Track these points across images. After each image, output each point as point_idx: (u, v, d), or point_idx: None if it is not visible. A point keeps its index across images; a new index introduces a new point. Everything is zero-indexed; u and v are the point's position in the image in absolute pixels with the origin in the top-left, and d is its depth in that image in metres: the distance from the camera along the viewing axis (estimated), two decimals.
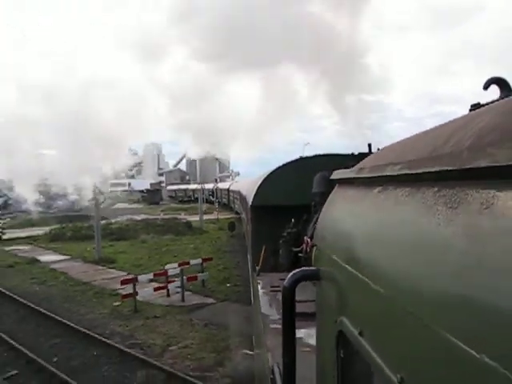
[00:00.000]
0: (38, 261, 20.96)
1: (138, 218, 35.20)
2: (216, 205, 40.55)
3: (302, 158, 8.83)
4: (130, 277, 13.63)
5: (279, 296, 4.91)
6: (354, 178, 1.58)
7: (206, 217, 34.88)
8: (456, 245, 0.74)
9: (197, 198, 59.40)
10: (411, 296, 0.85)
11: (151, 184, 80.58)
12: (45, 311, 12.64)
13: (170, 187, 79.35)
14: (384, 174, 1.21)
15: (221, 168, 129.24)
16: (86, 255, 21.87)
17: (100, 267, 19.33)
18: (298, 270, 1.78)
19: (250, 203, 9.79)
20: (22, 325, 11.77)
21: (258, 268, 7.40)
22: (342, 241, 1.48)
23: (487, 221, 0.68)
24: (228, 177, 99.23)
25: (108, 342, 10.20)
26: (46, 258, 21.76)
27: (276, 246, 7.54)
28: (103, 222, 29.69)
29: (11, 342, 10.35)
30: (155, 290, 13.59)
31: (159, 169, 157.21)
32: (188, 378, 8.28)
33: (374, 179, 1.32)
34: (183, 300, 13.57)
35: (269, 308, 5.30)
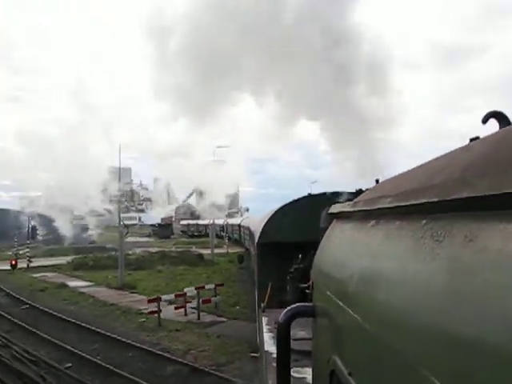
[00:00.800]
0: (66, 286, 23.59)
1: (153, 250, 37.79)
2: (226, 240, 43.17)
3: (308, 196, 9.30)
4: (155, 297, 16.16)
5: None
6: (349, 211, 1.57)
7: (216, 250, 37.46)
8: (440, 280, 0.72)
9: (207, 233, 62.25)
10: (397, 334, 0.84)
11: (162, 219, 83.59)
12: (83, 324, 15.17)
13: (183, 222, 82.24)
14: (376, 207, 1.20)
15: (230, 203, 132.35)
16: (109, 282, 24.44)
17: (123, 292, 21.86)
18: (294, 305, 1.77)
19: (256, 240, 10.10)
20: (65, 334, 14.26)
21: (263, 305, 7.52)
22: (336, 276, 1.45)
23: (470, 254, 0.66)
24: (237, 212, 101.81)
25: (140, 346, 12.68)
26: (73, 283, 24.39)
27: (283, 283, 7.75)
28: (131, 251, 32.54)
29: (61, 344, 12.88)
30: (176, 308, 16.12)
31: (169, 203, 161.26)
32: (206, 370, 10.71)
33: (368, 212, 1.31)
34: (199, 318, 16.00)
35: (272, 345, 5.26)
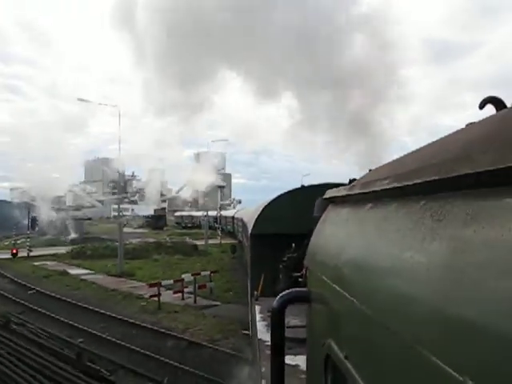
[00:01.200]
0: (68, 273, 24.98)
1: (148, 240, 39.16)
2: (219, 231, 44.66)
3: (302, 187, 9.44)
4: (155, 282, 17.62)
5: None
6: (345, 195, 1.55)
7: (209, 241, 38.93)
8: (441, 259, 0.72)
9: (199, 224, 63.66)
10: (395, 315, 0.83)
11: (155, 210, 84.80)
12: (89, 307, 16.62)
13: (177, 213, 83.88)
14: (373, 189, 1.19)
15: (222, 196, 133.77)
16: (108, 270, 25.85)
17: (122, 279, 23.31)
18: (288, 290, 1.79)
19: (249, 231, 10.37)
20: (73, 315, 15.67)
21: (256, 294, 7.74)
22: (332, 261, 1.44)
23: (472, 232, 0.65)
24: (229, 205, 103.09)
25: (143, 324, 14.16)
26: (74, 271, 25.77)
27: (276, 273, 7.88)
28: (138, 240, 33.94)
29: (71, 323, 14.32)
30: (174, 293, 17.62)
31: (162, 195, 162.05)
32: (203, 344, 12.22)
33: (364, 195, 1.30)
34: (195, 302, 17.49)
35: (265, 333, 5.31)
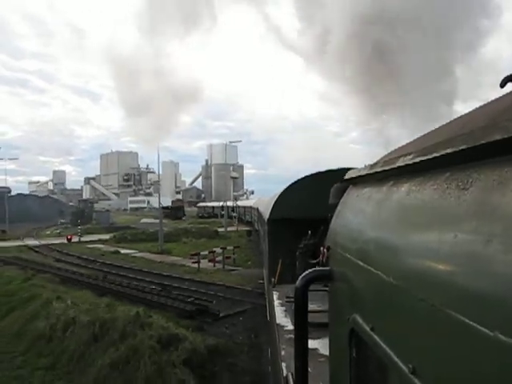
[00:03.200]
0: (119, 252, 32.42)
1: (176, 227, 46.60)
2: (236, 219, 51.95)
3: (318, 173, 9.42)
4: (195, 252, 24.85)
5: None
6: (366, 175, 1.60)
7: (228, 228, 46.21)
8: (467, 224, 0.74)
9: (216, 214, 71.08)
10: (423, 283, 0.87)
11: (173, 201, 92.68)
12: (146, 270, 23.92)
13: (200, 204, 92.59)
14: (396, 165, 1.22)
15: (235, 186, 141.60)
16: (150, 249, 33.26)
17: (164, 255, 30.65)
18: (310, 270, 1.87)
19: (267, 217, 10.52)
20: (138, 275, 22.93)
21: (273, 280, 7.87)
22: (355, 238, 1.51)
23: (499, 196, 0.67)
24: (242, 195, 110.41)
25: (190, 278, 21.37)
26: (123, 251, 33.22)
27: (293, 259, 8.05)
28: (151, 230, 41.41)
29: (142, 278, 21.59)
30: (209, 261, 24.87)
31: (176, 187, 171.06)
32: (235, 286, 19.38)
33: (385, 173, 1.34)
34: (223, 267, 24.66)
35: (284, 318, 5.57)
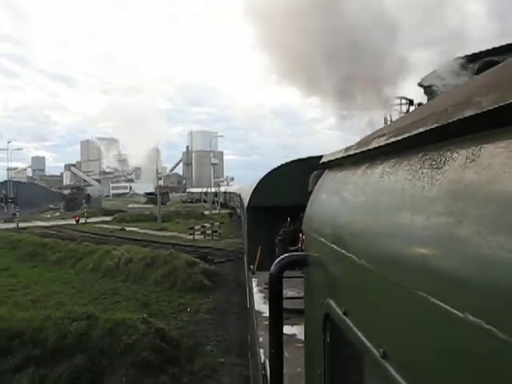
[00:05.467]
0: (124, 229, 41.06)
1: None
2: (217, 204, 60.87)
3: (297, 160, 9.83)
4: (191, 226, 33.81)
5: None
6: (341, 158, 1.63)
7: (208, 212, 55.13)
8: (438, 205, 0.76)
9: (198, 200, 79.95)
10: (395, 265, 0.88)
11: (160, 187, 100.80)
12: (155, 240, 32.75)
13: (189, 189, 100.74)
14: (371, 147, 1.24)
15: (215, 173, 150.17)
16: (150, 227, 42.02)
17: (163, 231, 39.50)
18: (285, 255, 1.90)
19: (246, 204, 11.03)
20: (149, 244, 31.71)
21: (253, 267, 8.16)
22: (329, 222, 1.55)
23: (472, 174, 0.68)
24: (223, 181, 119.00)
25: (188, 244, 30.33)
26: (128, 228, 41.87)
27: (272, 246, 8.48)
28: (147, 212, 50.08)
29: (150, 245, 30.43)
30: (201, 233, 33.89)
31: (158, 173, 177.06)
32: (224, 249, 28.40)
33: (361, 156, 1.37)
34: (212, 238, 33.70)
35: (262, 305, 5.71)
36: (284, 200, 8.54)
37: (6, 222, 51.51)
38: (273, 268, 1.82)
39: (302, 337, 2.61)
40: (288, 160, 10.23)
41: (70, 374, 9.11)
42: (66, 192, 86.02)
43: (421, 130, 0.89)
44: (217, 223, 36.44)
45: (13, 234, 35.92)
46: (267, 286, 4.79)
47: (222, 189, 66.56)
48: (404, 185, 0.94)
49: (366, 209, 1.19)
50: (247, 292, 9.75)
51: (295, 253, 2.13)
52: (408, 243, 0.85)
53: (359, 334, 1.09)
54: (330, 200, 1.75)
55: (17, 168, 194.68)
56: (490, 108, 0.65)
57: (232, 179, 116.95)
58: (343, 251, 1.25)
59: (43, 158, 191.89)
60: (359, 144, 1.44)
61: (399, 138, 1.01)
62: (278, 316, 1.83)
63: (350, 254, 1.18)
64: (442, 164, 0.80)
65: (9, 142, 68.00)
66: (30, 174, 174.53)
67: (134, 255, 20.96)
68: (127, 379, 9.12)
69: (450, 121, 0.77)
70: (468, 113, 0.71)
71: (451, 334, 0.67)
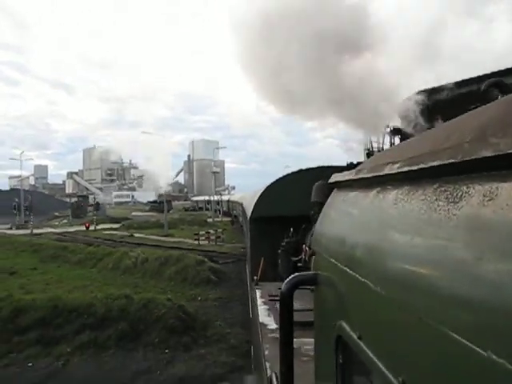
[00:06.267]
0: (133, 235, 44.46)
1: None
2: (219, 212, 64.31)
3: (299, 171, 10.17)
4: (197, 232, 37.22)
5: (278, 305, 6.32)
6: (352, 180, 1.67)
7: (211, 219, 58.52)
8: (457, 239, 0.77)
9: (200, 208, 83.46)
10: (412, 295, 0.90)
11: (160, 195, 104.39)
12: (160, 244, 36.13)
13: (193, 198, 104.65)
14: (382, 173, 1.27)
15: (216, 181, 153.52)
16: (157, 233, 45.41)
17: (169, 237, 42.89)
18: (295, 274, 1.94)
19: (248, 215, 11.30)
20: (158, 249, 35.07)
21: (256, 278, 8.21)
22: (341, 244, 1.56)
23: (490, 212, 0.69)
24: (224, 190, 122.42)
25: (194, 248, 33.72)
26: (136, 235, 45.28)
27: (275, 257, 8.52)
28: (153, 219, 53.50)
29: (160, 249, 33.84)
30: (205, 239, 37.29)
31: (166, 183, 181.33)
32: (224, 252, 31.79)
33: (372, 180, 1.40)
34: (216, 243, 37.08)
35: (267, 317, 5.74)
36: (287, 210, 8.78)
37: (18, 228, 54.95)
38: (283, 287, 1.85)
39: (306, 350, 2.67)
40: (288, 169, 10.79)
41: (117, 335, 12.63)
42: (71, 200, 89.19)
43: (436, 163, 0.91)
44: (220, 230, 39.81)
45: (32, 238, 39.34)
46: (272, 298, 6.07)
47: (225, 197, 70.04)
48: (420, 215, 0.96)
49: (381, 235, 1.19)
50: (250, 302, 10.08)
51: (304, 272, 2.18)
52: (426, 275, 0.86)
53: (376, 360, 1.09)
54: (341, 221, 1.76)
55: (20, 176, 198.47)
56: (510, 152, 0.67)
57: (233, 188, 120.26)
58: (357, 275, 1.26)
59: (46, 167, 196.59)
60: (370, 168, 1.49)
61: (413, 168, 1.04)
62: (289, 335, 1.86)
63: (365, 280, 1.19)
64: (459, 199, 0.81)
65: (22, 152, 71.41)
66: (33, 183, 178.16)
67: (149, 255, 24.37)
68: (159, 339, 12.56)
69: (467, 159, 0.79)
70: (484, 153, 0.74)
71: (472, 370, 0.67)
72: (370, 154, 12.18)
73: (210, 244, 36.99)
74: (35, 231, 48.65)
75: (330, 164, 9.08)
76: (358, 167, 1.77)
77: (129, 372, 11.15)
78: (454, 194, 0.84)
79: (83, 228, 51.66)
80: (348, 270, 1.37)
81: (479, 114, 0.97)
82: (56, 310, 13.57)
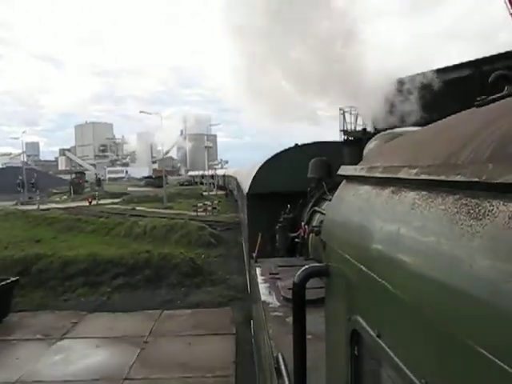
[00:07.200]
0: (135, 208, 48.61)
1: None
2: (214, 185, 68.49)
3: (296, 146, 10.31)
4: (195, 204, 41.48)
5: (279, 283, 5.89)
6: (364, 176, 1.71)
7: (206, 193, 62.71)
8: (482, 258, 0.79)
9: (195, 182, 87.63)
10: (434, 304, 0.93)
11: (154, 170, 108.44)
12: (162, 215, 40.38)
13: (190, 173, 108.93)
14: (398, 176, 1.30)
15: (209, 156, 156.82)
16: (157, 206, 49.59)
17: (169, 210, 47.10)
18: (308, 265, 2.04)
19: (245, 191, 11.42)
20: (161, 218, 39.27)
21: (254, 255, 8.13)
22: (355, 239, 1.61)
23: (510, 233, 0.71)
24: (217, 164, 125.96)
25: (191, 218, 38.04)
26: (138, 208, 49.43)
27: (272, 233, 8.82)
28: (153, 194, 57.61)
29: (165, 217, 38.09)
30: (203, 210, 41.59)
31: (152, 157, 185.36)
32: (221, 221, 36.13)
33: (386, 180, 1.43)
34: (212, 214, 41.39)
35: (268, 295, 5.80)
36: (282, 187, 9.00)
37: (22, 204, 58.75)
38: (296, 278, 1.95)
39: (311, 328, 2.75)
40: (283, 145, 10.89)
41: (144, 279, 17.02)
42: (71, 176, 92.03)
43: (458, 178, 0.93)
44: (216, 202, 44.11)
45: (45, 213, 43.37)
46: (272, 276, 6.30)
47: (221, 172, 74.09)
48: (441, 225, 0.99)
49: (400, 239, 1.19)
50: (248, 279, 10.52)
51: (317, 264, 2.15)
52: (449, 286, 0.88)
53: (397, 360, 1.12)
54: (352, 216, 1.77)
55: (11, 154, 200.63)
56: None
57: (226, 162, 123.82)
58: (375, 276, 1.29)
59: (37, 143, 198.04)
60: (385, 168, 1.51)
61: (432, 178, 1.07)
62: (302, 324, 1.97)
63: (383, 281, 1.22)
64: (482, 216, 0.83)
65: (23, 131, 74.56)
66: (25, 160, 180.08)
67: (157, 224, 28.61)
68: (176, 281, 16.95)
69: (490, 181, 0.81)
70: (509, 179, 0.76)
71: (496, 379, 0.70)
72: (345, 132, 12.46)
73: (207, 215, 41.28)
74: (41, 207, 52.57)
75: (323, 139, 9.66)
76: (368, 162, 1.87)
77: (157, 302, 15.47)
78: (477, 211, 0.85)
79: (85, 203, 55.69)
80: (364, 268, 1.41)
81: (497, 120, 1.01)
82: (95, 262, 17.87)
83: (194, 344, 12.01)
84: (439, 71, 19.40)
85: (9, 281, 14.25)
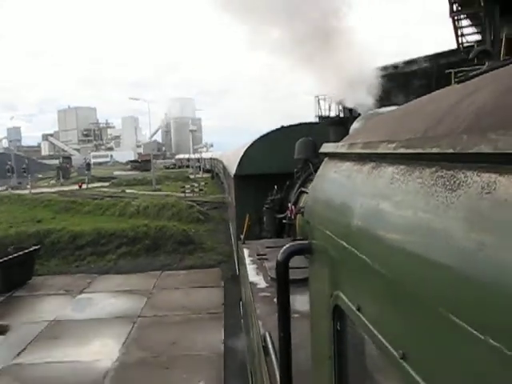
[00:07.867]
0: (125, 191, 51.16)
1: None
2: (200, 168, 71.14)
3: (283, 127, 10.48)
4: (183, 186, 44.28)
5: (266, 264, 6.06)
6: (346, 153, 1.73)
7: (193, 176, 65.37)
8: (457, 228, 0.81)
9: (179, 166, 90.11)
10: (411, 277, 0.96)
11: (142, 155, 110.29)
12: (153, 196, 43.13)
13: (177, 157, 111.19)
14: (377, 151, 1.33)
15: (194, 139, 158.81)
16: (146, 189, 52.21)
17: (157, 192, 49.78)
18: (291, 243, 2.05)
19: (232, 173, 11.61)
20: (152, 198, 42.02)
21: (242, 236, 8.26)
22: (336, 216, 1.64)
23: (489, 206, 0.73)
24: (202, 147, 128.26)
25: (182, 195, 40.87)
26: (127, 190, 51.97)
27: (260, 214, 9.04)
28: (140, 177, 60.15)
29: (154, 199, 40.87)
30: (190, 192, 44.43)
31: (137, 141, 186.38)
32: (208, 201, 39.05)
33: (367, 155, 1.46)
34: (199, 194, 44.21)
35: (256, 276, 5.92)
36: (269, 168, 9.13)
37: (12, 189, 60.66)
38: (279, 256, 1.95)
39: (297, 307, 3.20)
40: (267, 126, 12.65)
41: (144, 248, 20.07)
42: (61, 161, 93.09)
43: (434, 150, 0.95)
44: (202, 183, 46.97)
45: (40, 196, 45.73)
46: (260, 257, 6.66)
47: (207, 155, 76.64)
48: (417, 197, 1.01)
49: (378, 213, 1.22)
50: (236, 260, 10.78)
51: (300, 241, 2.14)
52: (425, 258, 0.90)
53: (376, 332, 1.14)
54: (334, 192, 1.80)
55: None
56: (506, 152, 0.71)
57: (211, 145, 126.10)
58: (355, 251, 1.32)
59: (19, 128, 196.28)
60: (364, 144, 1.53)
61: (410, 151, 1.09)
62: (286, 301, 2.01)
63: (363, 256, 1.25)
64: (457, 187, 0.85)
65: (12, 117, 75.92)
66: (7, 145, 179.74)
67: (149, 203, 31.45)
68: (172, 248, 19.98)
69: (465, 152, 0.83)
70: (482, 149, 0.77)
71: (471, 353, 0.73)
72: (320, 117, 13.33)
73: (194, 196, 44.12)
74: (32, 191, 54.72)
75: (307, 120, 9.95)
76: (349, 139, 1.89)
77: (157, 266, 18.53)
78: (452, 182, 0.87)
79: (74, 187, 57.96)
80: (345, 243, 1.42)
81: (473, 94, 1.03)
82: (99, 235, 20.79)
83: (190, 294, 15.11)
84: (407, 63, 22.47)
85: (31, 249, 17.06)
